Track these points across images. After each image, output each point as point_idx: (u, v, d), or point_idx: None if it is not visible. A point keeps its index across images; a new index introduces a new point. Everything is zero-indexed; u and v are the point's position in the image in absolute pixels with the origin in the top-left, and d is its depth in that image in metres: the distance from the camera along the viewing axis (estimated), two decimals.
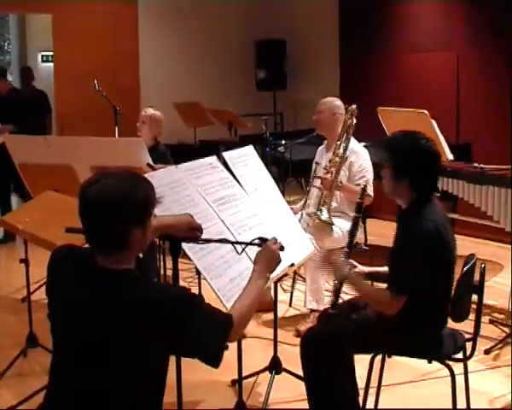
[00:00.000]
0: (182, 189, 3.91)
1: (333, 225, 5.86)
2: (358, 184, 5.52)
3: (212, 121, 9.91)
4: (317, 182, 6.04)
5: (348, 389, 3.95)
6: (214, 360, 2.64)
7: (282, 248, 3.15)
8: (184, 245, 3.34)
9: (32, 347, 5.37)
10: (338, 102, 6.14)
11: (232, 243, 3.49)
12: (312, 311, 5.90)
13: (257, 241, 3.21)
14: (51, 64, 11.11)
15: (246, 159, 4.78)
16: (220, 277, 3.60)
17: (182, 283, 3.60)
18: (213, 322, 2.65)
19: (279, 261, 3.13)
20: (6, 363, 5.21)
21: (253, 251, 3.24)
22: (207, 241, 3.38)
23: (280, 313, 6.01)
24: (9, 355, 5.32)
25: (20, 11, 10.28)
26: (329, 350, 3.81)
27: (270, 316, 5.93)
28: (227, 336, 2.69)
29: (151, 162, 5.49)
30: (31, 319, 5.35)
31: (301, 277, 6.62)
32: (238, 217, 4.12)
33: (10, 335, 5.94)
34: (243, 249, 3.35)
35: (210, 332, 2.62)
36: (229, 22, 11.87)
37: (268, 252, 3.11)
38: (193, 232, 3.16)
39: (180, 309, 2.53)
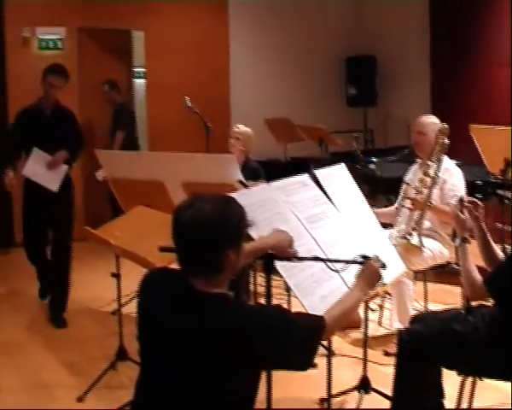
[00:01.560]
0: (273, 206, 3.92)
1: (423, 247, 5.77)
2: (449, 203, 5.42)
3: (302, 138, 9.90)
4: (408, 202, 5.95)
5: (434, 396, 3.98)
6: (307, 367, 2.70)
7: (383, 266, 3.21)
8: (277, 263, 3.35)
9: (122, 360, 5.45)
10: (438, 123, 6.00)
11: (331, 261, 3.50)
12: (400, 331, 5.82)
13: (359, 258, 3.25)
14: (142, 80, 11.30)
15: (337, 177, 4.77)
16: (311, 295, 3.59)
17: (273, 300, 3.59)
18: (306, 332, 2.69)
19: (380, 279, 3.21)
20: (96, 375, 5.30)
21: (348, 269, 3.27)
22: (303, 259, 3.39)
23: (369, 332, 5.95)
24: (99, 367, 5.42)
25: (113, 28, 10.43)
26: (424, 351, 3.82)
27: (358, 334, 5.88)
28: (319, 340, 2.76)
29: (242, 179, 5.51)
30: (121, 333, 5.43)
31: (390, 294, 6.54)
32: (329, 235, 4.10)
33: (100, 347, 6.04)
34: (344, 267, 3.39)
35: (303, 343, 2.67)
36: (320, 39, 11.87)
37: (370, 269, 3.19)
38: (292, 251, 3.21)
39: (275, 330, 2.55)
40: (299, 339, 2.63)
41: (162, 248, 3.43)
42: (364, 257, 3.25)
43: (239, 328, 2.50)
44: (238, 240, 2.65)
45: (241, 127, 6.85)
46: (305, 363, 2.68)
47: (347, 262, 3.35)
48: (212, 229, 2.54)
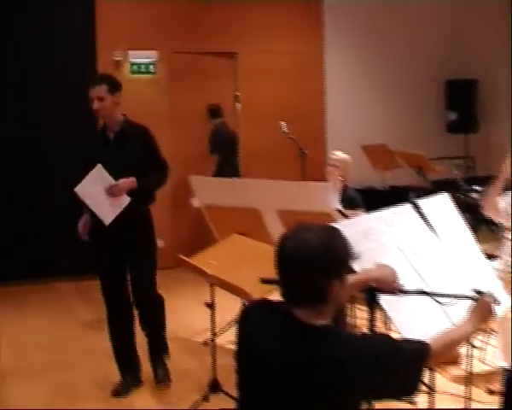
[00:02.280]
0: (375, 237, 3.94)
1: None
2: None
3: (400, 164, 9.86)
4: (510, 234, 5.86)
5: None
6: (413, 392, 2.74)
7: (497, 302, 3.21)
8: (381, 296, 3.37)
9: (214, 392, 5.51)
10: None
11: (439, 295, 3.49)
12: (505, 370, 5.73)
13: (472, 293, 3.26)
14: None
15: (441, 207, 4.74)
16: (414, 330, 3.59)
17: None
18: (413, 356, 2.72)
19: (493, 315, 3.22)
20: (187, 406, 5.38)
21: (455, 304, 3.27)
22: (408, 293, 3.39)
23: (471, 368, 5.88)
24: (190, 399, 5.50)
25: (206, 51, 10.64)
26: None
27: (459, 371, 5.82)
28: (423, 366, 2.77)
29: (340, 208, 5.53)
30: (214, 364, 5.50)
31: (494, 331, 6.44)
32: (434, 267, 4.09)
33: (191, 378, 6.12)
34: (453, 302, 3.39)
35: (408, 372, 2.70)
36: (419, 62, 11.86)
37: (484, 305, 3.19)
38: (396, 285, 3.23)
39: (385, 355, 2.59)
40: (408, 363, 2.68)
41: (264, 279, 3.49)
42: (478, 292, 3.24)
43: (349, 360, 2.54)
44: (343, 271, 2.69)
45: (340, 154, 6.87)
46: (413, 388, 2.71)
47: (459, 297, 3.34)
48: (317, 259, 2.59)
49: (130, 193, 5.75)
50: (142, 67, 10.47)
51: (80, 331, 7.59)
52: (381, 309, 3.59)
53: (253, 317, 2.80)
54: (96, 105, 5.69)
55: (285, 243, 2.67)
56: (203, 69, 10.78)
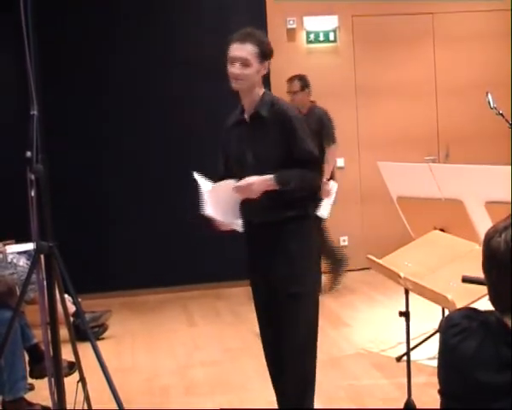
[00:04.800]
0: None
1: None
2: None
3: None
4: None
5: None
6: None
7: None
8: None
9: None
10: None
11: None
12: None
13: None
14: None
15: None
16: None
17: None
18: None
19: None
20: None
21: None
22: None
23: None
24: None
25: (392, 13, 10.55)
26: None
27: None
28: None
29: None
30: (409, 383, 5.43)
31: None
32: None
33: (383, 399, 6.10)
34: None
35: None
36: None
37: None
38: None
39: None
40: None
41: (465, 278, 3.43)
42: None
43: None
44: None
45: None
46: None
47: None
48: None
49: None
50: (321, 34, 10.51)
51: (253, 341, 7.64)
52: None
53: (457, 329, 2.75)
54: (237, 69, 4.90)
55: (493, 237, 2.61)
56: (391, 34, 10.70)
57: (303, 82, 9.30)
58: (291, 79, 9.39)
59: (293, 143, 4.89)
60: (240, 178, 4.89)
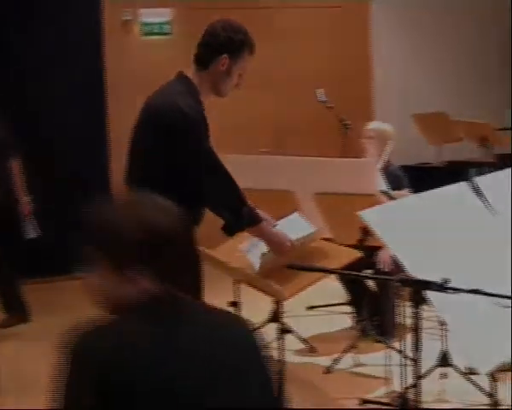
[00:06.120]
0: (423, 222, 3.95)
1: None
2: None
3: (459, 137, 9.78)
4: None
5: None
6: None
7: None
8: (429, 293, 3.39)
9: None
10: None
11: (497, 295, 3.47)
12: None
13: None
14: None
15: (504, 185, 4.74)
16: (470, 333, 3.61)
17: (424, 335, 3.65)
18: None
19: None
20: None
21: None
22: (461, 291, 3.39)
23: None
24: None
25: (227, 7, 10.65)
26: None
27: None
28: None
29: (385, 189, 5.54)
30: None
31: None
32: (492, 261, 4.08)
33: None
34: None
35: None
36: (482, 14, 11.76)
37: None
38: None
39: None
40: None
41: (290, 265, 3.54)
42: None
43: None
44: None
45: (376, 124, 6.81)
46: None
47: None
48: None
49: None
50: (156, 27, 10.52)
51: None
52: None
53: None
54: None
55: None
56: None
57: None
58: None
59: None
60: None
